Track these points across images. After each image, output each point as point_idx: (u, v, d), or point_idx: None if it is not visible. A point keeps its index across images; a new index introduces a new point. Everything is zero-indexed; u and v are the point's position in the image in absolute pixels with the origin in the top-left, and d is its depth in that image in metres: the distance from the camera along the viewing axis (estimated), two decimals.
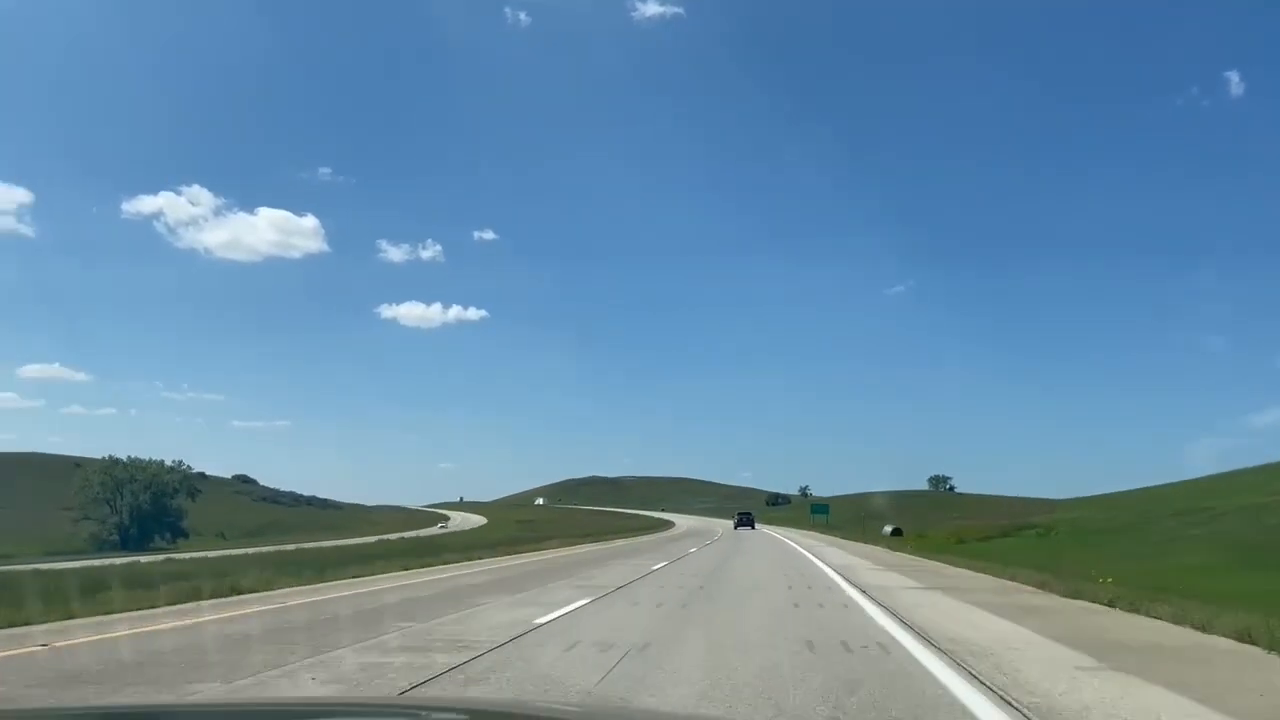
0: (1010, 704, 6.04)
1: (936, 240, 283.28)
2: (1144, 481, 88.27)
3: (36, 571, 18.50)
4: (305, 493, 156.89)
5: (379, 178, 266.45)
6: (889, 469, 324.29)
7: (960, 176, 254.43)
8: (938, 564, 25.25)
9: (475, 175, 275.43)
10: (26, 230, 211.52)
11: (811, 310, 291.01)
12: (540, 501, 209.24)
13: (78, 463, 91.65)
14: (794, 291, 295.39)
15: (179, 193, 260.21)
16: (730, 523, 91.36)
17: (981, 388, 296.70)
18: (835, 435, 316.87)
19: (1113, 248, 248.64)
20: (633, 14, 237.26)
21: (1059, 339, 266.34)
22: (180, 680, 6.74)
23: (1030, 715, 5.75)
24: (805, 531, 69.41)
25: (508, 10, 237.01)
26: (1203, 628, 9.79)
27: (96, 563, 24.23)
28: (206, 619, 10.80)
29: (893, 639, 9.22)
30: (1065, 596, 14.35)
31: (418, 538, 63.91)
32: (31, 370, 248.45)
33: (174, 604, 12.44)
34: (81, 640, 8.97)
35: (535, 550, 33.12)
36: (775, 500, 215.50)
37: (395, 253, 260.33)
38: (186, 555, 33.12)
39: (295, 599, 13.59)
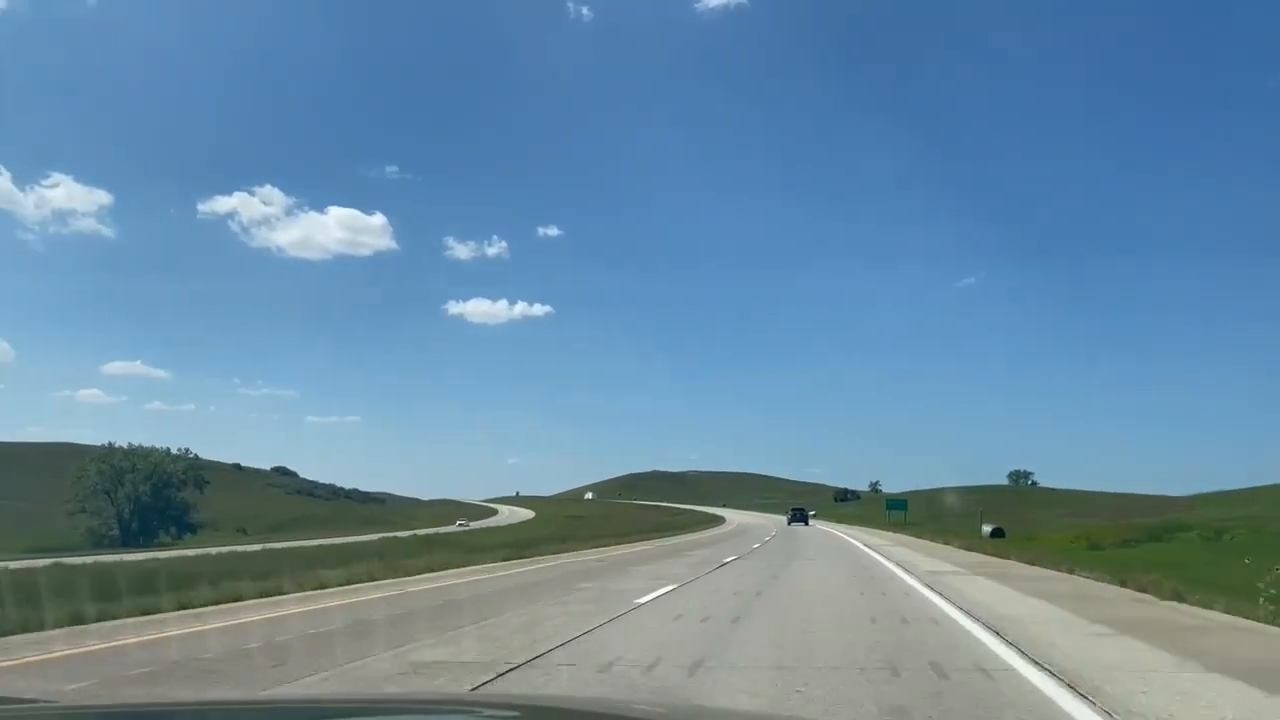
0: None
1: (1006, 231, 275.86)
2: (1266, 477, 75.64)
3: None
4: (357, 486, 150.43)
5: (444, 175, 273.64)
6: (962, 464, 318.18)
7: (1031, 167, 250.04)
8: (1134, 596, 14.57)
9: (539, 172, 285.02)
10: (107, 232, 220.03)
11: (880, 303, 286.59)
12: (589, 496, 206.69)
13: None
14: (862, 285, 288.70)
15: (252, 193, 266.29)
16: (802, 525, 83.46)
17: (1057, 380, 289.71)
18: (905, 430, 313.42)
19: (1182, 246, 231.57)
20: (696, 5, 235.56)
21: (1135, 330, 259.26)
22: None
23: None
24: (878, 531, 58.64)
25: (570, 5, 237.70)
26: None
27: (62, 561, 22.35)
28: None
29: None
30: None
31: (432, 535, 57.10)
32: (114, 367, 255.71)
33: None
34: None
35: (549, 554, 26.88)
36: (844, 496, 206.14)
37: (461, 249, 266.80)
38: (169, 554, 28.59)
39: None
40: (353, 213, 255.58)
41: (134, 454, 77.07)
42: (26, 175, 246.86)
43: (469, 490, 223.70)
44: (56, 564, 21.77)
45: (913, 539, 43.90)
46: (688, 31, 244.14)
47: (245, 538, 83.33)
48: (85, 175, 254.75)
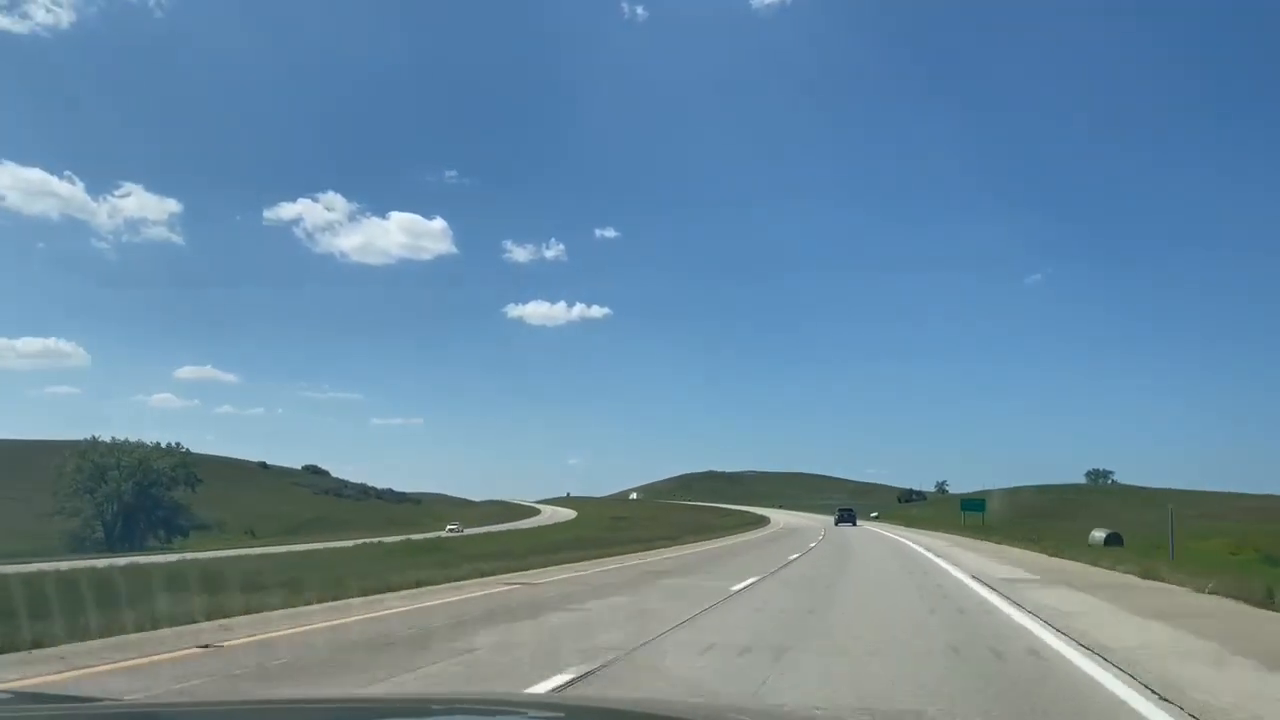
0: None
1: (1072, 227, 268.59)
2: None
3: None
4: (391, 486, 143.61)
5: (502, 179, 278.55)
6: (1030, 463, 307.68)
7: (1094, 161, 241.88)
8: None
9: (596, 174, 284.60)
10: (177, 239, 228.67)
11: (943, 300, 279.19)
12: (634, 496, 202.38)
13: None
14: (925, 282, 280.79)
15: (316, 199, 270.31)
16: (850, 526, 78.19)
17: (1130, 376, 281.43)
18: (970, 429, 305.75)
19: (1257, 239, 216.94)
20: (751, 1, 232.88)
21: (1209, 326, 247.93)
22: None
23: None
24: (954, 537, 48.59)
25: (625, 6, 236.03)
26: None
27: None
28: None
29: None
30: None
31: (429, 540, 49.09)
32: (186, 372, 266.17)
33: None
34: None
35: (539, 567, 21.18)
36: (908, 497, 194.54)
37: (520, 252, 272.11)
38: (128, 560, 23.55)
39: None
40: (413, 217, 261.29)
41: (118, 449, 70.00)
42: (100, 185, 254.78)
43: (526, 491, 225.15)
44: None
45: (1005, 548, 33.87)
46: (743, 28, 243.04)
47: (252, 540, 76.27)
48: (155, 184, 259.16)
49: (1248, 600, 13.34)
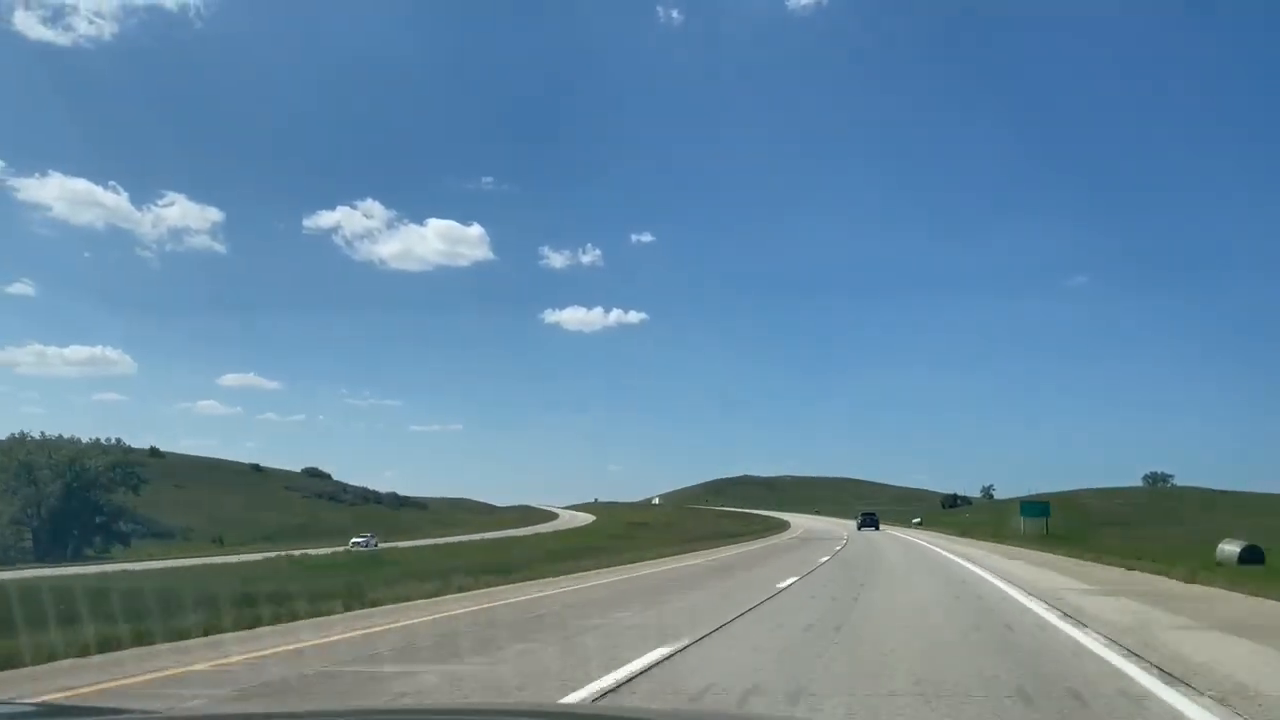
0: None
1: (1116, 228, 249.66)
2: None
3: None
4: (395, 490, 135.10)
5: (539, 185, 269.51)
6: (1081, 466, 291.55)
7: (1138, 160, 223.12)
8: None
9: (632, 178, 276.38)
10: (219, 247, 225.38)
11: (985, 302, 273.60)
12: (656, 502, 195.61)
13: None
14: (966, 282, 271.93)
15: (354, 207, 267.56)
16: (872, 530, 75.16)
17: (1184, 378, 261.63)
18: (1016, 432, 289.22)
19: None
20: (787, 3, 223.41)
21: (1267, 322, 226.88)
22: None
23: None
24: (1014, 550, 38.26)
25: (660, 9, 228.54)
26: None
27: None
28: None
29: None
30: None
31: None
32: (230, 379, 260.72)
33: None
34: None
35: (480, 589, 16.21)
36: (953, 502, 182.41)
37: (557, 258, 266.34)
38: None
39: None
40: (450, 224, 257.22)
41: (48, 445, 61.53)
42: (143, 195, 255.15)
43: (564, 496, 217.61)
44: None
45: (1110, 571, 23.58)
46: (779, 31, 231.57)
47: (214, 549, 68.16)
48: (197, 193, 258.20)
49: None
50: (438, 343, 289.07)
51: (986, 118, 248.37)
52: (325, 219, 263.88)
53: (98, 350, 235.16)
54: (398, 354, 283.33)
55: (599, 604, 13.47)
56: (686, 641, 9.11)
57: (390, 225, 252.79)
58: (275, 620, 11.20)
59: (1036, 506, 52.18)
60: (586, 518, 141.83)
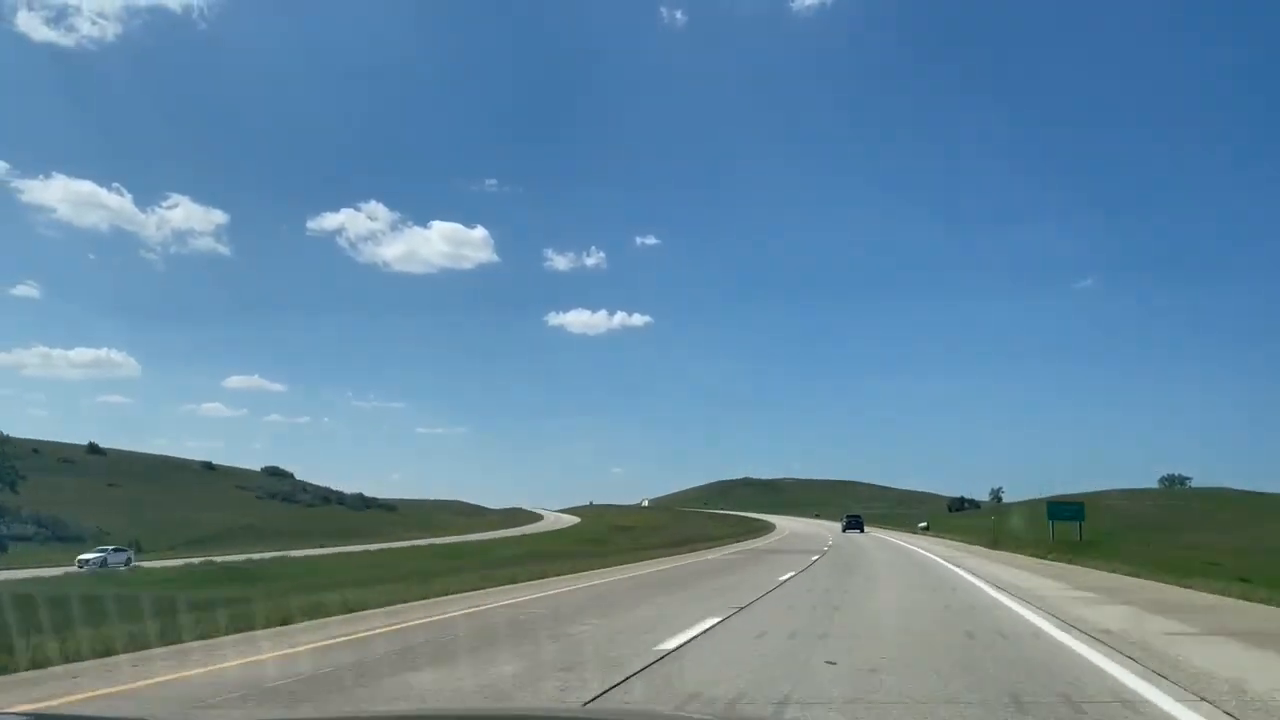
0: None
1: (1123, 230, 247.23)
2: None
3: None
4: (361, 491, 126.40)
5: (543, 187, 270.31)
6: (1091, 468, 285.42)
7: (1143, 161, 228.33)
8: None
9: (635, 180, 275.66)
10: (224, 250, 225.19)
11: (990, 304, 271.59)
12: (645, 504, 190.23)
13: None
14: (971, 284, 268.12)
15: (358, 209, 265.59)
16: (858, 532, 72.86)
17: (1195, 379, 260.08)
18: (1023, 435, 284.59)
19: None
20: (791, 3, 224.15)
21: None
22: None
23: None
24: (1035, 565, 29.32)
25: (663, 10, 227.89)
26: None
27: None
28: None
29: None
30: None
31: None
32: (235, 381, 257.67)
33: None
34: None
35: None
36: (959, 505, 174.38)
37: (561, 261, 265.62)
38: None
39: None
40: (455, 226, 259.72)
41: None
42: (147, 197, 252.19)
43: (566, 499, 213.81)
44: None
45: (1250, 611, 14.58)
46: (784, 33, 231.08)
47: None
48: (202, 196, 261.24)
49: None
50: (442, 346, 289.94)
51: (994, 120, 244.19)
52: (329, 221, 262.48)
53: (102, 353, 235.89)
54: (402, 357, 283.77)
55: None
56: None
57: (394, 227, 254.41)
58: None
59: (1068, 508, 42.99)
60: (571, 520, 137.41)
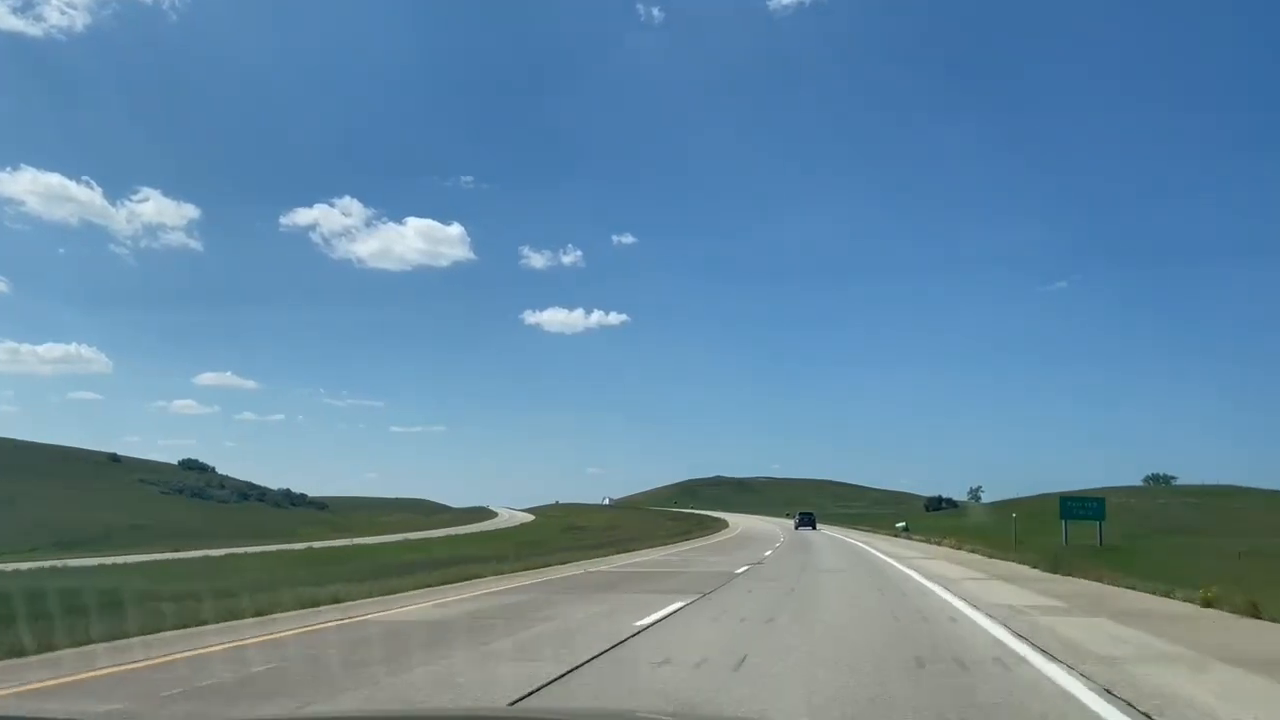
0: None
1: (1096, 233, 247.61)
2: None
3: None
4: (288, 487, 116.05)
5: (519, 184, 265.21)
6: (1069, 469, 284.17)
7: (1117, 164, 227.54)
8: None
9: (613, 179, 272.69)
10: (195, 245, 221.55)
11: (968, 306, 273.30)
12: (606, 502, 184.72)
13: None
14: (948, 287, 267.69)
15: (332, 205, 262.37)
16: (809, 530, 70.49)
17: (1172, 377, 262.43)
18: (1002, 434, 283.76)
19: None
20: (769, 3, 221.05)
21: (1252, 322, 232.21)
22: None
23: None
24: (1043, 584, 19.88)
25: (640, 8, 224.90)
26: None
27: None
28: None
29: None
30: None
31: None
32: (206, 378, 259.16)
33: None
34: None
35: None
36: (937, 504, 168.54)
37: (537, 259, 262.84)
38: None
39: None
40: (430, 223, 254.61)
41: None
42: (118, 190, 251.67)
43: (532, 498, 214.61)
44: None
45: None
46: (761, 31, 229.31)
47: None
48: (173, 190, 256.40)
49: None
50: (418, 343, 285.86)
51: (972, 121, 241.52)
52: (303, 216, 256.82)
53: (72, 348, 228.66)
54: (377, 354, 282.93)
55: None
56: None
57: (369, 224, 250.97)
58: None
59: (1086, 505, 33.22)
60: (525, 519, 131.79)
